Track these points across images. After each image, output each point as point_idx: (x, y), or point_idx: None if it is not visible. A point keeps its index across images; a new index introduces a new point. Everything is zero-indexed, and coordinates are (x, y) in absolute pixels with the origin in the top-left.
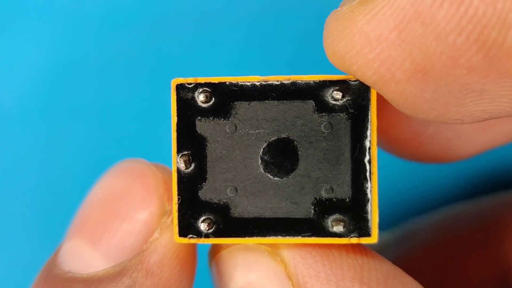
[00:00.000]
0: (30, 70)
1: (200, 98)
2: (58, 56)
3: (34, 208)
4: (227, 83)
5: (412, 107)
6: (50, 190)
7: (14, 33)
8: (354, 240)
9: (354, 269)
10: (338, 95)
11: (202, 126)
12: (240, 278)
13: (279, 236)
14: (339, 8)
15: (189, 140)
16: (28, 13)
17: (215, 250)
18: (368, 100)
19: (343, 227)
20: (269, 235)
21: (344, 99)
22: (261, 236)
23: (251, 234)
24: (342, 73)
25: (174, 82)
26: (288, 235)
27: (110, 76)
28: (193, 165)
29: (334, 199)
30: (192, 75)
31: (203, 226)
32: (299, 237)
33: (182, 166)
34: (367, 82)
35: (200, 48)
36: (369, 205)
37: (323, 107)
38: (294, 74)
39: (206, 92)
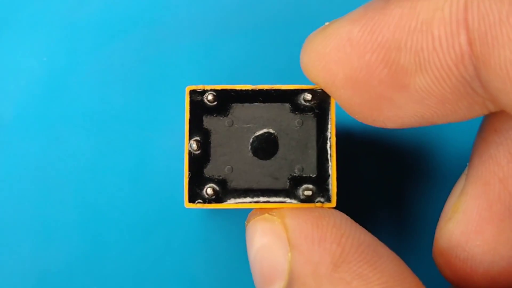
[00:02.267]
0: (29, 77)
1: (209, 98)
2: (57, 63)
3: (32, 213)
4: (227, 89)
5: (349, 109)
6: (48, 196)
7: (12, 40)
8: (319, 205)
9: (335, 235)
10: (308, 96)
11: (208, 121)
12: (257, 242)
13: (264, 200)
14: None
15: (198, 131)
16: (27, 20)
17: (247, 221)
18: (329, 103)
19: (311, 194)
20: (257, 199)
21: (312, 102)
22: (251, 199)
23: (243, 199)
24: (311, 83)
25: (188, 88)
26: (270, 200)
27: (108, 83)
28: (200, 149)
29: (304, 175)
30: (191, 79)
31: (209, 191)
32: (279, 201)
33: (194, 147)
34: (320, 86)
35: (196, 54)
36: (330, 179)
37: (296, 108)
38: (276, 81)
39: (212, 95)
